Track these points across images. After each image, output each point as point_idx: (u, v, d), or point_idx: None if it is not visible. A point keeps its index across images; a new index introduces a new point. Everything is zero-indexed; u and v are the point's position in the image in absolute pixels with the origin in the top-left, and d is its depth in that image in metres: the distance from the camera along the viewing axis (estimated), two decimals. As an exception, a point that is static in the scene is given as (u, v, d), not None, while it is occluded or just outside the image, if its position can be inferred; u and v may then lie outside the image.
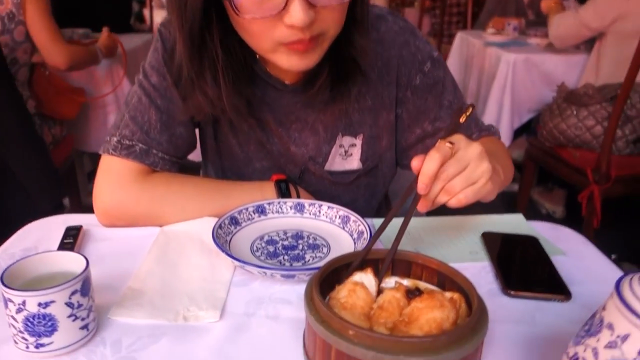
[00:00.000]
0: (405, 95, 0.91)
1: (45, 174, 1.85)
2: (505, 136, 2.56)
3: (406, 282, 0.61)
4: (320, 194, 0.95)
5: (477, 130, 0.95)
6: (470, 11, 3.56)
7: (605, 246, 0.83)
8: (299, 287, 0.69)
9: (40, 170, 1.83)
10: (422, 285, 0.61)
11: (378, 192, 1.00)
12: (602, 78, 2.38)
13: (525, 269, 0.74)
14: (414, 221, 0.88)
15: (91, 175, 2.95)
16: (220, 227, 0.77)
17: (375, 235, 0.64)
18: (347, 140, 0.92)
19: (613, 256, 2.26)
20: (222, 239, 0.76)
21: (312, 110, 0.88)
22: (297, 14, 0.64)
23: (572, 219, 2.35)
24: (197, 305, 0.64)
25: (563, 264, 0.76)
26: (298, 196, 0.89)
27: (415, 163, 0.63)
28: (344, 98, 0.84)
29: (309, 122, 0.90)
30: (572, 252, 0.80)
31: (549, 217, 2.63)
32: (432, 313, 0.51)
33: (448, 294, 0.55)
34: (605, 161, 2.03)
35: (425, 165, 0.62)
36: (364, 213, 0.98)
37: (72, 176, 2.31)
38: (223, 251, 0.70)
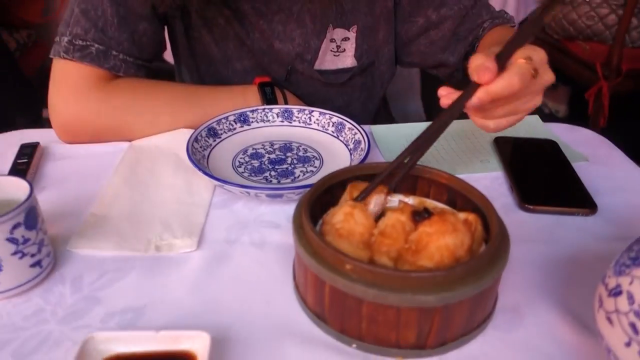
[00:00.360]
0: None
1: (15, 84, 1.71)
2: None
3: (411, 200, 0.53)
4: (310, 98, 0.84)
5: (488, 17, 0.82)
6: None
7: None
8: (288, 208, 0.60)
9: (7, 80, 1.68)
10: (430, 203, 0.52)
11: (375, 93, 0.89)
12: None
13: (544, 179, 0.66)
14: (412, 127, 0.78)
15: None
16: (196, 140, 0.67)
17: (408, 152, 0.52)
18: (339, 33, 0.79)
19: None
20: (199, 154, 0.66)
21: None
22: None
23: (576, 118, 2.25)
24: (171, 232, 0.55)
25: (586, 172, 0.67)
26: (285, 101, 0.78)
27: (486, 76, 0.48)
28: None
29: (294, 12, 0.76)
30: (595, 157, 0.71)
31: (551, 117, 2.53)
32: (444, 239, 0.43)
33: (462, 215, 0.46)
34: (617, 54, 1.89)
35: (497, 85, 0.48)
36: (359, 118, 0.88)
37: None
38: (200, 169, 0.60)
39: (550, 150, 0.71)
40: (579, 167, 0.68)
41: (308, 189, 0.50)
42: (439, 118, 0.52)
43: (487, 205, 0.46)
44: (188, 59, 0.83)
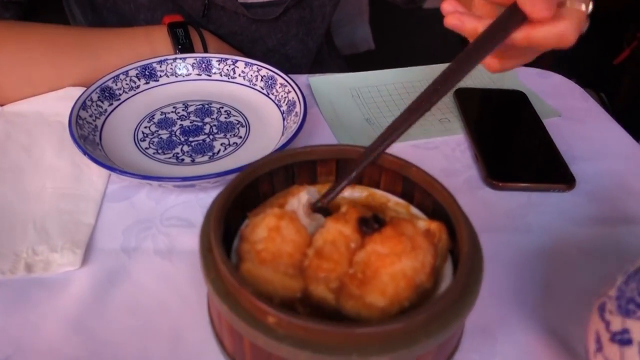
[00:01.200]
0: None
1: None
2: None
3: (356, 192, 0.42)
4: (235, 38, 0.69)
5: None
6: None
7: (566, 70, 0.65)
8: (204, 197, 0.48)
9: None
10: (381, 197, 0.41)
11: (315, 28, 0.74)
12: None
13: (514, 146, 0.56)
14: (354, 76, 0.65)
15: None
16: (84, 106, 0.52)
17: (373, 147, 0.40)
18: (267, -42, 0.63)
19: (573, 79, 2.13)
20: (89, 127, 0.51)
21: None
22: None
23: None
24: (49, 242, 0.42)
25: (558, 131, 0.57)
26: (204, 46, 0.63)
27: (545, 9, 0.34)
28: None
29: None
30: (569, 110, 0.62)
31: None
32: (400, 262, 0.33)
33: (422, 224, 0.36)
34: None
35: (548, 32, 0.35)
36: (299, 60, 0.75)
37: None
38: (84, 152, 0.46)
39: (518, 104, 0.61)
40: (551, 125, 0.58)
41: (228, 176, 0.38)
42: (445, 74, 0.38)
43: (454, 209, 0.36)
44: (76, -10, 0.66)
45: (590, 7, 0.38)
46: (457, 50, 0.40)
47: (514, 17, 0.36)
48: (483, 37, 0.37)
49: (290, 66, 0.73)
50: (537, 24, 0.35)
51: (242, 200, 0.38)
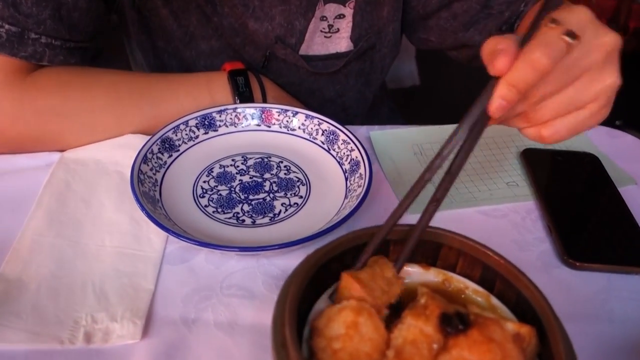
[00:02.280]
0: None
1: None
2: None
3: (432, 275, 0.39)
4: (293, 88, 0.67)
5: None
6: None
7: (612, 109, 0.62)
8: (265, 263, 0.46)
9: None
10: (458, 283, 0.39)
11: (374, 80, 0.73)
12: None
13: (590, 218, 0.53)
14: (417, 131, 0.63)
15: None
16: (145, 160, 0.51)
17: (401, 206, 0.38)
18: (331, 10, 0.62)
19: (618, 122, 2.06)
20: (149, 181, 0.50)
21: None
22: None
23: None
24: (108, 309, 0.41)
25: (634, 201, 0.54)
26: (263, 94, 0.62)
27: (500, 61, 0.34)
28: None
29: (274, -18, 0.59)
30: (643, 177, 0.58)
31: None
32: (490, 371, 0.30)
33: (510, 327, 0.33)
34: (625, 10, 1.74)
35: (518, 71, 0.34)
36: (354, 110, 0.73)
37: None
38: (147, 214, 0.45)
39: (591, 169, 0.58)
40: (626, 194, 0.55)
41: (292, 247, 0.36)
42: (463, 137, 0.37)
43: (545, 311, 0.33)
44: (140, 34, 0.65)
45: (582, 16, 0.38)
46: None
47: (492, 81, 0.35)
48: (472, 106, 0.36)
49: (346, 116, 0.72)
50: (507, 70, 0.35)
51: (311, 282, 0.36)
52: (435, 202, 0.38)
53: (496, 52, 0.34)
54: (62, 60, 0.56)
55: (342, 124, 0.57)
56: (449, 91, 1.93)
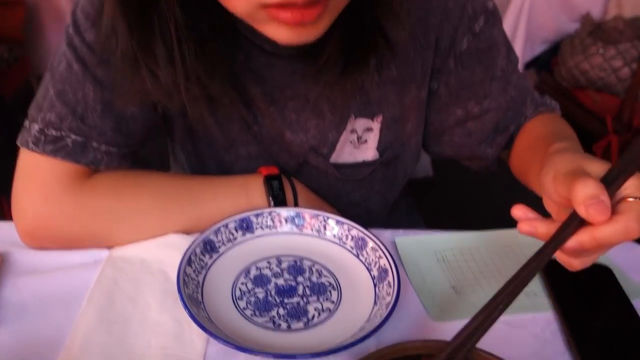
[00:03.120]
0: (445, 64, 0.66)
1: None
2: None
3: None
4: (322, 192, 0.72)
5: (532, 105, 0.72)
6: None
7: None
8: (301, 369, 0.48)
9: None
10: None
11: (397, 185, 0.78)
12: (629, 8, 2.10)
13: (608, 334, 0.55)
14: (438, 239, 0.67)
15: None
16: (189, 263, 0.55)
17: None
18: (361, 124, 0.68)
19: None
20: (192, 283, 0.54)
21: (315, 84, 0.63)
22: None
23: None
24: (154, 411, 0.43)
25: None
26: (295, 198, 0.67)
27: (601, 215, 0.37)
28: (359, 68, 0.59)
29: (310, 99, 0.65)
30: (656, 291, 0.61)
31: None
32: None
33: None
34: (628, 108, 1.83)
35: (610, 229, 0.38)
36: (378, 212, 0.78)
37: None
38: (192, 317, 0.48)
39: (605, 282, 0.61)
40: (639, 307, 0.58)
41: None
42: (522, 271, 0.41)
43: None
44: (185, 139, 0.71)
45: None
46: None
47: (574, 221, 0.39)
48: (550, 242, 0.40)
49: (369, 217, 0.76)
50: (598, 225, 0.38)
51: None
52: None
53: (597, 202, 0.37)
54: (117, 165, 0.62)
55: (367, 227, 0.61)
56: (460, 182, 2.00)
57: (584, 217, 0.38)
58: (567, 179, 0.40)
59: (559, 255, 0.45)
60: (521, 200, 0.45)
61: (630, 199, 0.39)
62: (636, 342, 0.53)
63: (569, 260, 0.44)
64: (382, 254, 0.58)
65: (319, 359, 0.47)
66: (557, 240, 0.40)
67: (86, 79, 0.58)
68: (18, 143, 0.59)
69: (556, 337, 0.54)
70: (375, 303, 0.54)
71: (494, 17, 0.66)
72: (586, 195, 0.37)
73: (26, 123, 0.59)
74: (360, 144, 0.70)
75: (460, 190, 1.98)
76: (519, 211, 0.44)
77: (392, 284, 0.54)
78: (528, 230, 0.43)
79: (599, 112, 1.91)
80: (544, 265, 0.40)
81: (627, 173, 0.39)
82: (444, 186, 1.77)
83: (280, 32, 0.46)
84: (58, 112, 0.57)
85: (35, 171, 0.58)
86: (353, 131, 0.69)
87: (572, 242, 0.39)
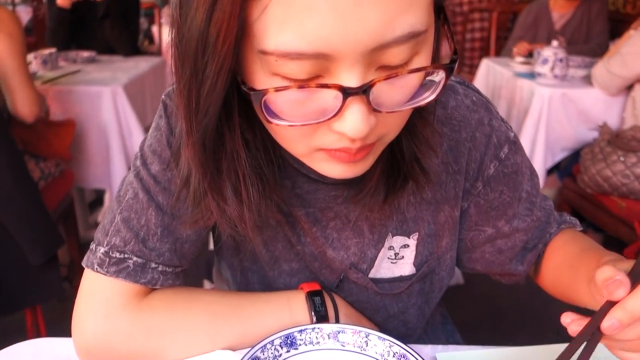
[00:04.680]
0: (475, 186, 0.71)
1: (36, 220, 1.64)
2: (539, 177, 2.36)
3: None
4: (361, 305, 0.75)
5: (555, 223, 0.76)
6: (494, 36, 3.37)
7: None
8: None
9: (30, 216, 1.62)
10: None
11: (433, 298, 0.80)
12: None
13: None
14: (479, 355, 0.68)
15: (93, 205, 2.73)
16: (238, 380, 0.57)
17: None
18: (398, 241, 0.72)
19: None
20: (242, 401, 0.56)
21: (355, 206, 0.68)
22: (354, 123, 0.45)
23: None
24: None
25: None
26: (336, 313, 0.69)
27: (620, 291, 0.44)
28: (397, 192, 0.64)
29: (350, 219, 0.70)
30: None
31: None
32: None
33: None
34: (656, 215, 1.84)
35: (635, 300, 0.44)
36: (415, 325, 0.79)
37: (72, 217, 2.09)
38: None
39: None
40: None
41: None
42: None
43: None
44: (231, 257, 0.76)
45: None
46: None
47: (606, 304, 0.45)
48: (589, 322, 0.46)
49: (406, 330, 0.78)
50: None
51: None
52: None
53: (613, 281, 0.43)
54: (171, 283, 0.66)
55: (406, 341, 0.63)
56: (489, 286, 1.98)
57: (606, 296, 0.44)
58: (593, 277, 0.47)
59: (616, 354, 0.48)
60: (548, 305, 0.51)
61: None
62: None
63: (628, 356, 0.47)
64: (424, 372, 0.59)
65: None
66: (595, 320, 0.44)
67: (150, 206, 0.64)
68: (83, 264, 0.64)
69: None
70: None
71: (516, 146, 0.72)
72: (604, 278, 0.44)
73: (92, 246, 0.65)
74: (397, 260, 0.73)
75: (490, 297, 1.96)
76: (567, 318, 0.49)
77: (436, 404, 0.55)
78: (575, 330, 0.48)
79: (626, 217, 1.92)
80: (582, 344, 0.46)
81: None
82: (474, 293, 1.75)
83: (332, 169, 0.52)
84: (123, 236, 0.63)
85: (98, 291, 0.63)
86: (391, 248, 0.72)
87: (607, 320, 0.44)
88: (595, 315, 0.45)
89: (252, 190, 0.55)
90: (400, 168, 0.60)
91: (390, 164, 0.61)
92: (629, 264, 0.55)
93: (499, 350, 0.68)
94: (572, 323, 0.48)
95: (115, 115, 2.13)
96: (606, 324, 0.44)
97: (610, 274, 0.45)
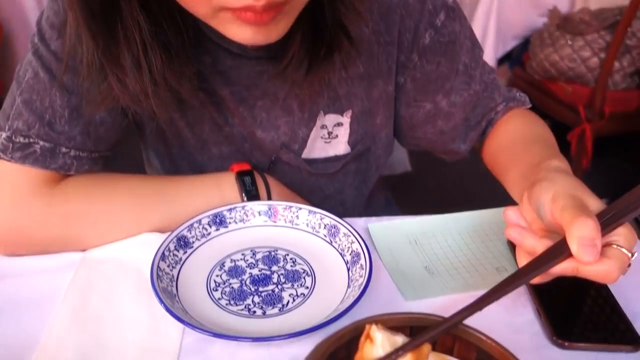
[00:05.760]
0: (410, 59, 0.68)
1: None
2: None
3: (432, 359, 0.43)
4: (295, 187, 0.73)
5: (501, 99, 0.74)
6: None
7: (594, 189, 0.66)
8: (275, 352, 0.49)
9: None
10: (455, 368, 0.42)
11: (370, 177, 0.79)
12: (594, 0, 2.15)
13: (575, 301, 0.57)
14: (412, 223, 0.68)
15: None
16: (162, 257, 0.56)
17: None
18: (331, 119, 0.70)
19: (604, 200, 2.15)
20: (167, 278, 0.55)
21: (283, 83, 0.64)
22: None
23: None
24: (131, 401, 0.44)
25: (617, 283, 0.58)
26: (268, 192, 0.68)
27: (591, 258, 0.41)
28: (324, 66, 0.60)
29: (279, 98, 0.66)
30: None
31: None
32: None
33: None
34: (599, 97, 1.87)
35: (594, 268, 0.41)
36: (352, 204, 0.79)
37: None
38: (167, 309, 0.49)
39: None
40: (608, 276, 0.59)
41: (301, 336, 0.39)
42: (509, 280, 0.43)
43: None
44: (157, 143, 0.72)
45: (636, 255, 0.43)
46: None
47: (564, 251, 0.42)
48: (533, 263, 0.44)
49: (344, 210, 0.77)
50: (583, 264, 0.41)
51: None
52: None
53: (591, 245, 0.40)
54: (87, 169, 0.62)
55: (342, 218, 0.62)
56: (440, 176, 2.02)
57: (574, 253, 0.40)
58: (568, 208, 0.42)
59: (518, 254, 0.48)
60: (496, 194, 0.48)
61: (617, 247, 0.42)
62: (604, 309, 0.55)
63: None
64: (354, 239, 0.59)
65: (293, 338, 0.47)
66: (541, 266, 0.43)
67: (53, 86, 0.58)
68: (-14, 152, 0.60)
69: (527, 308, 0.56)
70: (348, 286, 0.55)
71: (455, 13, 0.68)
72: (583, 235, 0.40)
73: (-7, 132, 0.60)
74: (331, 139, 0.71)
75: (439, 182, 2.01)
76: (513, 215, 0.47)
77: (364, 266, 0.55)
78: (515, 238, 0.46)
79: (572, 102, 1.95)
80: (526, 282, 0.44)
81: (621, 218, 0.42)
82: (422, 179, 1.79)
83: (242, 33, 0.48)
84: (25, 119, 0.58)
85: (5, 179, 0.58)
86: (323, 127, 0.70)
87: (557, 270, 0.43)
88: (546, 255, 0.43)
89: (154, 61, 0.51)
90: (324, 37, 0.56)
91: (313, 31, 0.57)
92: (561, 162, 0.53)
93: (430, 217, 0.69)
94: (513, 230, 0.46)
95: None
96: (554, 273, 0.43)
97: (591, 234, 0.40)
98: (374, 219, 0.69)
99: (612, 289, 0.57)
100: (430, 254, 0.63)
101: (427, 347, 0.40)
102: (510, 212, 0.47)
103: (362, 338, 0.40)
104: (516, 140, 0.68)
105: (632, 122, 1.94)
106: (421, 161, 1.78)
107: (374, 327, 0.39)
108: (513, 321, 0.54)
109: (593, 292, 0.57)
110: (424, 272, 0.60)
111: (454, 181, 2.01)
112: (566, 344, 0.50)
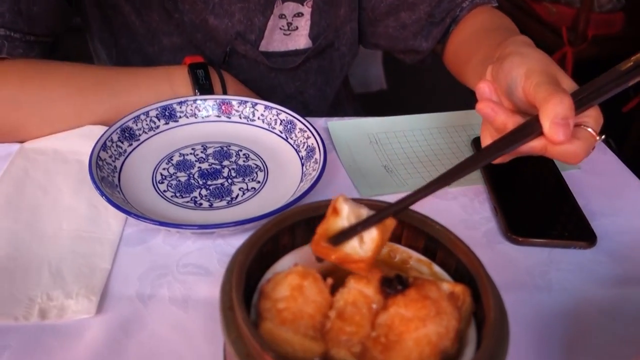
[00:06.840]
0: None
1: None
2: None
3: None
4: (254, 84, 0.69)
5: None
6: None
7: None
8: (221, 244, 0.47)
9: None
10: (403, 253, 0.41)
11: (334, 78, 0.75)
12: None
13: (534, 200, 0.55)
14: (373, 122, 0.65)
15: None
16: (104, 147, 0.52)
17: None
18: (289, 8, 0.64)
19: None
20: (108, 167, 0.51)
21: None
22: None
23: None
24: (64, 287, 0.42)
25: (578, 184, 0.57)
26: (223, 87, 0.64)
27: (563, 138, 0.37)
28: None
29: (233, -21, 0.61)
30: (586, 162, 0.61)
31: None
32: (424, 328, 0.32)
33: (446, 287, 0.35)
34: (583, 19, 1.81)
35: (563, 149, 0.39)
36: (316, 107, 0.75)
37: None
38: (103, 195, 0.46)
39: (537, 156, 0.61)
40: (570, 177, 0.58)
41: (248, 225, 0.37)
42: (473, 158, 0.39)
43: (479, 273, 0.35)
44: (103, 32, 0.67)
45: (603, 136, 0.40)
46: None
47: (535, 129, 0.38)
48: (504, 139, 0.40)
49: (307, 112, 0.74)
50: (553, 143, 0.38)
51: (261, 254, 0.37)
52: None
53: (564, 124, 0.36)
54: (22, 53, 0.57)
55: (302, 115, 0.59)
56: (416, 95, 1.98)
57: (546, 132, 0.37)
58: (542, 84, 0.39)
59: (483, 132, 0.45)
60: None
61: (587, 129, 0.39)
62: (562, 206, 0.54)
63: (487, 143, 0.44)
64: (310, 134, 0.56)
65: (239, 229, 0.45)
66: (509, 145, 0.39)
67: None
68: None
69: (484, 206, 0.54)
70: (301, 180, 0.53)
71: None
72: (558, 114, 0.37)
73: None
74: (291, 31, 0.66)
75: (416, 101, 1.97)
76: (486, 88, 0.43)
77: (318, 160, 0.53)
78: (488, 113, 0.42)
79: (555, 24, 1.89)
80: (492, 161, 0.40)
81: (592, 100, 0.39)
82: (398, 98, 1.75)
83: None
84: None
85: None
86: (282, 16, 0.65)
87: (524, 148, 0.40)
88: (516, 131, 0.39)
89: None
90: None
91: None
92: (527, 38, 0.50)
93: (392, 118, 0.66)
94: (485, 104, 0.43)
95: None
96: (522, 150, 0.40)
97: (566, 113, 0.37)
98: (335, 119, 0.66)
99: (573, 189, 0.56)
100: (391, 154, 0.61)
101: (391, 221, 0.38)
102: (483, 84, 0.43)
103: (329, 209, 0.37)
104: (478, 30, 0.64)
105: (614, 45, 1.90)
106: (397, 79, 1.74)
107: (340, 198, 0.37)
108: (469, 219, 0.53)
109: (552, 191, 0.56)
110: (382, 171, 0.58)
111: (428, 99, 1.97)
112: (520, 239, 0.49)
